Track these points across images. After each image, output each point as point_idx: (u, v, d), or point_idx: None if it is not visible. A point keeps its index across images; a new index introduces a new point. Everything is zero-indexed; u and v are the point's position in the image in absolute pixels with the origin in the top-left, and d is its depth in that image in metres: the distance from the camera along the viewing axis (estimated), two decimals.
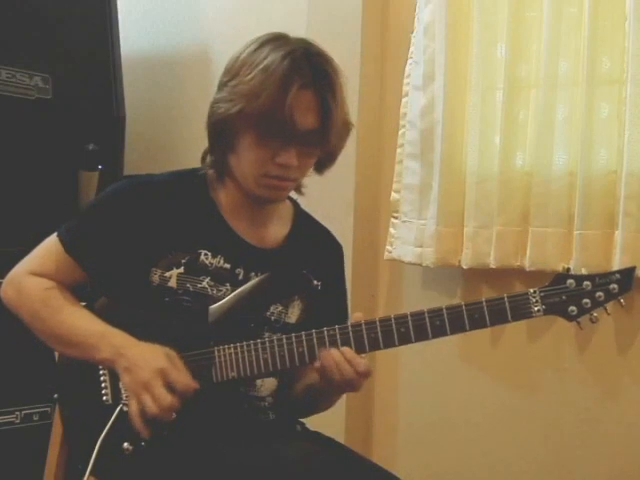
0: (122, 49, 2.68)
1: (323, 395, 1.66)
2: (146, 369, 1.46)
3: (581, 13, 2.18)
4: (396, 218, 2.52)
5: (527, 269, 2.24)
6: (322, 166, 1.66)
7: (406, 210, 2.49)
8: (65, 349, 1.58)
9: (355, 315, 1.53)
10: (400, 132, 2.51)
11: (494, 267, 2.31)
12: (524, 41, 2.30)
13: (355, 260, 2.54)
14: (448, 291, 2.48)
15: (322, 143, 1.56)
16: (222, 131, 1.56)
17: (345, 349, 1.49)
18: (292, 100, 1.48)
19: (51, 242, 1.62)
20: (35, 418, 2.41)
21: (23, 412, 2.39)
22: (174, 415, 1.47)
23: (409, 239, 2.47)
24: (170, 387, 1.46)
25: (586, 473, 2.29)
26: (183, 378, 1.48)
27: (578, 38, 2.20)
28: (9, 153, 2.39)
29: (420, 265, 2.45)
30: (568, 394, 2.31)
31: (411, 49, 2.50)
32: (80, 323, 1.56)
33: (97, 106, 2.60)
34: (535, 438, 2.36)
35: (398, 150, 2.52)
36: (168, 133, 2.89)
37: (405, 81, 2.50)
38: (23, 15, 2.43)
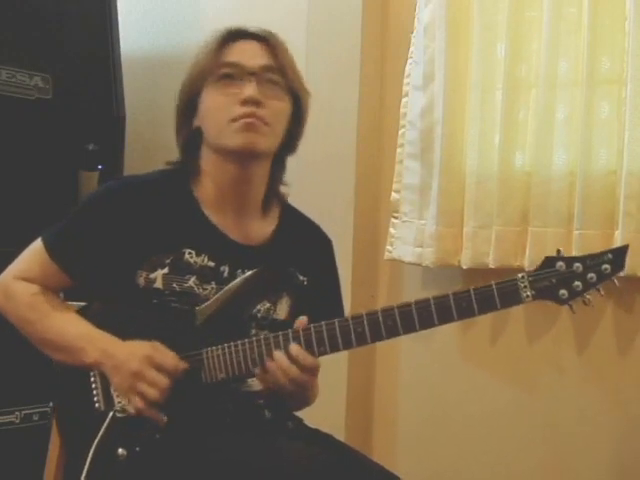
0: (122, 49, 2.68)
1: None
2: (133, 361, 1.48)
3: (581, 13, 2.18)
4: (396, 218, 2.52)
5: (527, 269, 2.23)
6: (295, 127, 1.65)
7: (406, 210, 2.49)
8: (54, 353, 1.59)
9: (299, 320, 1.51)
10: (400, 132, 2.51)
11: (494, 267, 2.31)
12: (524, 41, 2.30)
13: (355, 260, 2.54)
14: (448, 291, 2.47)
15: (280, 76, 1.59)
16: (186, 113, 1.64)
17: (292, 346, 1.47)
18: (232, 48, 1.59)
19: (37, 247, 1.62)
20: (35, 418, 2.41)
21: (23, 412, 2.39)
22: (165, 418, 1.48)
23: (409, 239, 2.47)
24: (160, 369, 1.48)
25: (585, 472, 2.29)
26: (169, 358, 1.49)
27: (578, 38, 2.20)
28: (9, 153, 2.39)
29: (420, 265, 2.45)
30: (567, 393, 2.31)
31: (411, 49, 2.50)
32: (67, 327, 1.57)
33: (97, 106, 2.60)
34: (535, 437, 2.36)
35: (398, 150, 2.52)
36: (168, 133, 2.88)
37: (405, 81, 2.51)
38: (23, 15, 2.43)
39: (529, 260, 2.24)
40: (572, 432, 2.31)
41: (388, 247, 2.54)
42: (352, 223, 2.59)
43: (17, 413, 2.38)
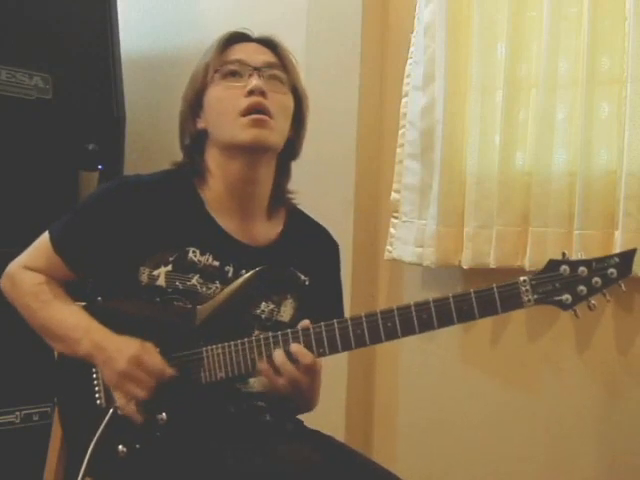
0: (122, 49, 2.68)
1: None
2: (121, 359, 1.49)
3: (581, 13, 2.18)
4: (396, 218, 2.52)
5: (527, 269, 2.24)
6: (298, 129, 1.67)
7: (406, 210, 2.49)
8: (53, 342, 1.62)
9: (302, 323, 1.51)
10: (400, 132, 2.51)
11: (494, 267, 2.30)
12: (524, 41, 2.30)
13: (355, 260, 2.54)
14: (448, 291, 2.42)
15: (283, 72, 1.62)
16: (191, 114, 1.64)
17: (292, 345, 1.48)
18: (236, 48, 1.63)
19: (44, 239, 1.65)
20: (35, 418, 2.41)
21: (23, 412, 2.39)
22: (165, 417, 1.49)
23: (409, 239, 2.47)
24: (146, 371, 1.49)
25: (586, 472, 2.29)
26: (155, 361, 1.50)
27: (578, 38, 2.20)
28: (9, 153, 2.39)
29: (420, 265, 2.45)
30: (568, 394, 2.31)
31: (411, 49, 2.50)
32: (66, 318, 1.59)
33: (97, 106, 2.60)
34: (535, 436, 2.36)
35: (398, 150, 2.52)
36: (168, 133, 2.87)
37: (405, 81, 2.51)
38: (23, 15, 2.44)
39: (530, 260, 2.24)
40: (572, 432, 2.31)
41: (388, 247, 2.54)
42: (352, 223, 2.59)
43: (17, 413, 2.38)
